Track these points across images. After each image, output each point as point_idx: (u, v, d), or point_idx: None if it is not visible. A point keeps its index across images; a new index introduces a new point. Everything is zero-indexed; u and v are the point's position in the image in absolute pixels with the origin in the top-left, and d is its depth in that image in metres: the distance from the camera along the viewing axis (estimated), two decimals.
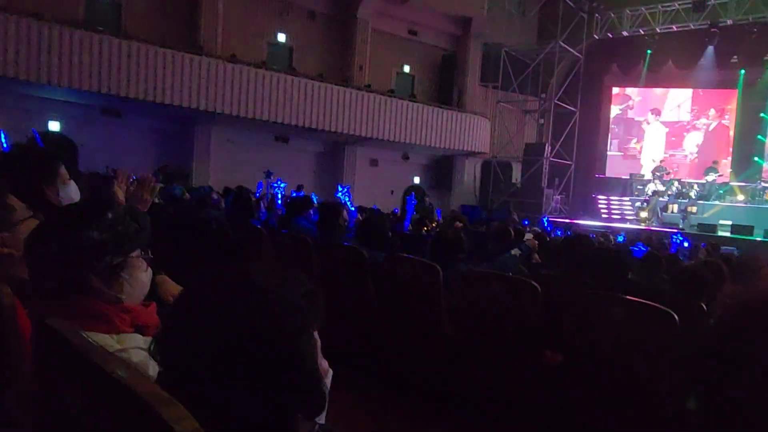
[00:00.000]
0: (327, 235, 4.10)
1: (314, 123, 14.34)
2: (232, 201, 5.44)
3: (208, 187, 6.35)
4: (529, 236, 4.20)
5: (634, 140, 20.48)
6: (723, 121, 19.31)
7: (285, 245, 4.04)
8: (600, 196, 19.56)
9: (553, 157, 19.01)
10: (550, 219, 15.53)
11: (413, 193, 6.69)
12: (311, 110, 14.22)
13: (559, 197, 19.74)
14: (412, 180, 19.57)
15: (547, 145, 19.10)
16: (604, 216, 18.38)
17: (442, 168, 19.62)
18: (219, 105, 12.80)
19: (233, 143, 15.12)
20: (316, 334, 0.89)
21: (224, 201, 6.95)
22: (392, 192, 19.05)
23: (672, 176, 18.30)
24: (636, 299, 2.36)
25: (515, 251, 3.43)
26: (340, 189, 8.67)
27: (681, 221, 15.64)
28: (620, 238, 10.36)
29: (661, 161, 19.09)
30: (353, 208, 8.37)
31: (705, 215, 16.07)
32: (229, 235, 4.47)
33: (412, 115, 16.36)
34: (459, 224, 5.43)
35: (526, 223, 13.86)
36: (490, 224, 6.50)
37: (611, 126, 20.83)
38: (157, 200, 5.44)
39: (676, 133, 20.01)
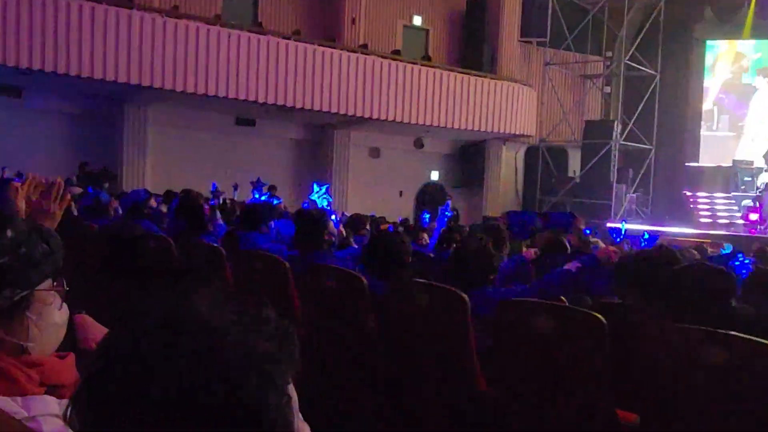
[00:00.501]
0: (307, 255, 4.12)
1: (290, 99, 14.45)
2: (177, 210, 5.48)
3: (144, 192, 6.40)
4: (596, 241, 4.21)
5: (745, 114, 20.46)
6: None
7: (251, 269, 4.06)
8: (692, 193, 19.60)
9: (625, 140, 19.08)
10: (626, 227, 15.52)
11: (449, 201, 6.70)
12: (285, 81, 14.33)
13: (634, 195, 19.80)
14: (429, 176, 19.66)
15: (616, 123, 19.19)
16: (702, 220, 18.38)
17: (469, 158, 19.72)
18: (156, 78, 12.92)
19: (177, 129, 15.25)
20: (291, 388, 0.91)
21: (166, 210, 7.00)
22: (401, 193, 19.13)
23: None
24: (743, 336, 2.35)
25: (572, 265, 3.46)
26: (315, 190, 8.72)
27: None
28: (726, 250, 10.32)
29: None
30: (334, 217, 8.44)
31: None
32: (172, 256, 4.51)
33: (427, 85, 16.47)
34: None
35: (588, 232, 13.85)
36: (536, 235, 6.55)
37: (718, 95, 20.83)
38: (73, 212, 5.49)
39: None
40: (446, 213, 6.30)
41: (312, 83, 14.68)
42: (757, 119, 20.33)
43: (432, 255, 5.35)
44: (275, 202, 8.05)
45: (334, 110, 15.20)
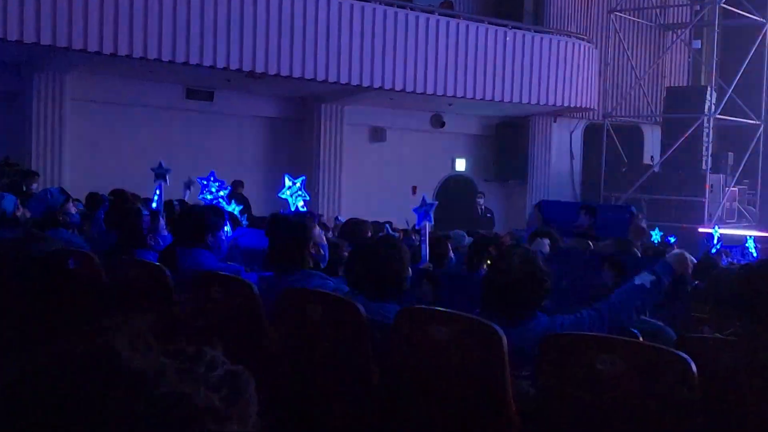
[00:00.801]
0: (284, 278, 4.13)
1: (259, 63, 14.49)
2: (106, 219, 5.49)
3: (59, 192, 6.38)
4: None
5: None
6: None
7: (205, 297, 4.09)
8: None
9: (721, 114, 19.04)
10: (721, 232, 15.46)
11: (428, 202, 6.70)
12: (253, 40, 14.38)
13: (736, 189, 19.75)
14: (452, 165, 19.68)
15: (709, 90, 19.17)
16: None
17: (507, 142, 19.75)
18: (77, 38, 12.97)
19: (105, 107, 15.31)
20: None
21: (91, 218, 7.01)
22: (414, 190, 19.14)
23: None
24: None
25: (644, 278, 3.49)
26: (286, 185, 8.74)
27: None
28: None
29: None
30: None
31: None
32: (99, 279, 4.51)
33: (449, 42, 16.50)
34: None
35: (672, 240, 13.79)
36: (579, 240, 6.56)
37: None
38: None
39: None
40: (428, 211, 6.32)
41: (290, 41, 14.70)
42: None
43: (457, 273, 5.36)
44: (231, 206, 8.05)
45: (320, 77, 15.21)
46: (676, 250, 3.95)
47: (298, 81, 15.19)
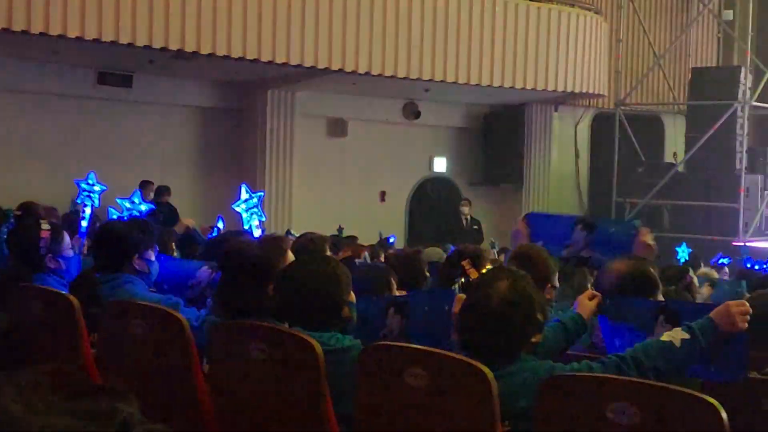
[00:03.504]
0: (233, 310, 4.18)
1: (190, 41, 14.44)
2: (9, 240, 5.45)
3: None
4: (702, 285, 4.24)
5: None
6: None
7: (122, 333, 4.06)
8: None
9: (759, 100, 19.22)
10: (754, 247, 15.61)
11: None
12: (182, 14, 14.30)
13: None
14: (430, 166, 19.72)
15: (744, 71, 19.35)
16: None
17: (498, 137, 19.83)
18: None
19: None
20: None
21: None
22: (383, 195, 19.17)
23: None
24: None
25: (675, 334, 3.50)
26: (243, 197, 8.74)
27: None
28: None
29: None
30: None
31: None
32: None
33: (424, 14, 16.52)
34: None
35: (725, 262, 13.74)
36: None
37: None
38: None
39: None
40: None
41: (227, 13, 14.64)
42: None
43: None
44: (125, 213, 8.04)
45: (265, 58, 15.16)
46: (724, 303, 3.91)
47: (237, 62, 15.14)
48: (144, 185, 14.06)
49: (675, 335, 3.49)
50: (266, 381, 3.69)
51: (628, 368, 3.38)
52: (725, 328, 3.52)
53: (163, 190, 14.67)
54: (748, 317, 3.58)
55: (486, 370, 3.07)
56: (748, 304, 3.72)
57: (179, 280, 5.27)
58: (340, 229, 14.34)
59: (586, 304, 4.25)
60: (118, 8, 13.76)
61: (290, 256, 4.52)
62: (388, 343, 3.65)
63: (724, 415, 2.77)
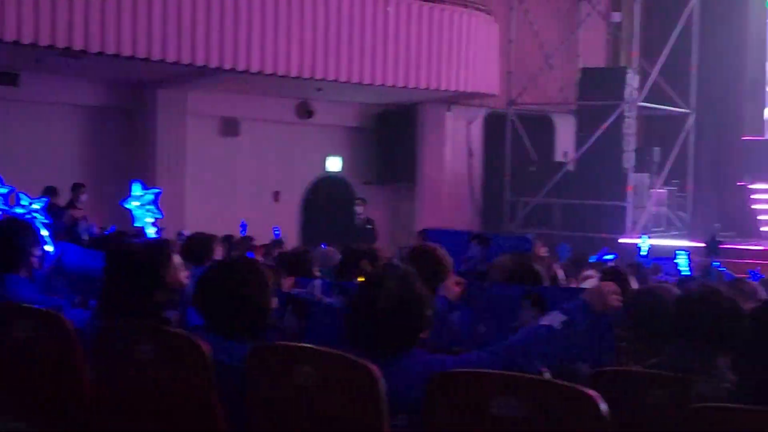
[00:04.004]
0: (119, 311, 4.11)
1: (77, 39, 14.20)
2: None
3: None
4: (589, 276, 4.36)
5: None
6: None
7: (14, 336, 4.00)
8: (757, 185, 20.31)
9: (646, 100, 19.62)
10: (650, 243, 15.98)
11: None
12: (69, 11, 14.07)
13: (664, 191, 20.35)
14: (324, 165, 19.69)
15: (630, 72, 19.70)
16: None
17: (392, 136, 19.89)
18: None
19: None
20: None
21: None
22: (277, 195, 19.10)
23: None
24: None
25: (554, 318, 3.55)
26: (135, 193, 8.63)
27: None
28: None
29: None
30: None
31: None
32: None
33: (316, 13, 16.49)
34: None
35: (608, 258, 14.02)
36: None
37: None
38: None
39: None
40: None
41: (116, 11, 14.44)
42: None
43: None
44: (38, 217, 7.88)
45: (156, 56, 15.00)
46: (592, 282, 4.04)
47: (127, 61, 14.96)
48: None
49: (553, 319, 3.57)
50: (154, 382, 3.63)
51: (516, 355, 3.45)
52: (598, 308, 3.64)
53: (50, 191, 14.40)
54: (620, 297, 3.72)
55: (373, 367, 3.08)
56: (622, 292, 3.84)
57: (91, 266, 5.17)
58: (244, 224, 14.31)
59: (451, 288, 4.34)
60: (3, 5, 13.48)
61: (176, 258, 4.47)
62: (277, 342, 3.66)
63: (604, 407, 2.80)
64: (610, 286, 3.77)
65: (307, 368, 3.19)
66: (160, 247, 4.69)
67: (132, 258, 4.33)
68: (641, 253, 13.58)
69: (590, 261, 12.47)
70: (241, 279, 3.79)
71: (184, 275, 4.53)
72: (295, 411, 3.30)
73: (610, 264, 11.26)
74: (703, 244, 16.74)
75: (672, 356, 3.79)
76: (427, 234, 7.61)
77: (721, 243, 14.87)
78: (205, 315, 3.81)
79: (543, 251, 6.87)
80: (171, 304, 4.29)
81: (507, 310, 4.27)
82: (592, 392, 2.84)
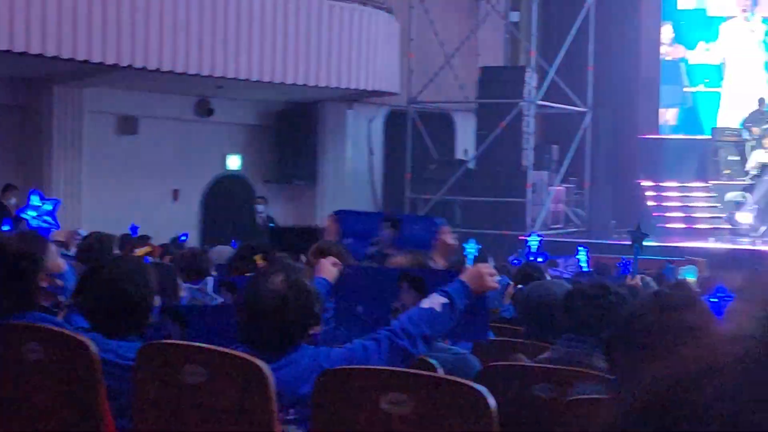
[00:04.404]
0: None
1: None
2: None
3: None
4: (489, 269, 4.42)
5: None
6: None
7: None
8: (652, 183, 20.74)
9: (545, 99, 19.90)
10: (545, 239, 16.18)
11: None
12: None
13: (562, 189, 20.65)
14: (224, 163, 19.59)
15: (529, 71, 19.94)
16: (669, 226, 19.52)
17: (292, 134, 19.87)
18: None
19: None
20: None
21: None
22: (176, 194, 18.95)
23: None
24: None
25: (434, 300, 3.62)
26: (35, 203, 8.50)
27: None
28: (687, 275, 11.17)
29: (765, 102, 20.36)
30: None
31: None
32: None
33: (215, 10, 16.39)
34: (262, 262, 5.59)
35: (517, 262, 14.14)
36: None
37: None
38: None
39: None
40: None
41: (9, 7, 14.13)
42: (740, 65, 22.04)
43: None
44: None
45: (50, 53, 14.74)
46: (476, 264, 4.13)
47: (20, 58, 14.68)
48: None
49: (434, 301, 3.63)
50: (40, 381, 3.61)
51: (399, 339, 3.49)
52: (477, 289, 3.72)
53: None
54: (497, 278, 3.82)
55: (262, 364, 3.09)
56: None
57: None
58: (134, 228, 14.08)
59: (328, 268, 4.38)
60: None
61: (54, 251, 4.39)
62: (166, 341, 3.65)
63: (492, 402, 2.87)
64: (487, 267, 3.88)
65: (195, 367, 3.19)
66: (36, 235, 4.64)
67: (8, 251, 4.25)
68: (531, 251, 13.73)
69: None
70: (122, 277, 3.78)
71: (62, 262, 4.46)
72: (184, 409, 3.31)
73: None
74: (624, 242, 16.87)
75: (560, 350, 3.88)
76: (339, 215, 7.60)
77: (645, 236, 15.02)
78: (87, 314, 3.81)
79: (450, 237, 6.88)
80: (53, 296, 4.22)
81: (386, 291, 4.31)
82: (480, 387, 2.90)
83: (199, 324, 4.18)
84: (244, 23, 16.58)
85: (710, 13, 22.07)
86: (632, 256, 10.38)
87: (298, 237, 11.64)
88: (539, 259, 12.65)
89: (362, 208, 19.30)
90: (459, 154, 21.43)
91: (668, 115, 22.78)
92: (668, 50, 22.49)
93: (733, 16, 21.82)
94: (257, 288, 3.49)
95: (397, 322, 3.62)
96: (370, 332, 3.72)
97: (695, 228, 19.48)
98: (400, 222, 7.14)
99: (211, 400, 3.23)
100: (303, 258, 5.80)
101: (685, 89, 22.43)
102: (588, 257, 14.03)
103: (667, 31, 22.38)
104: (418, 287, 4.22)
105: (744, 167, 19.53)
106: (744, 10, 21.74)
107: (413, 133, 20.43)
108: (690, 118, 22.32)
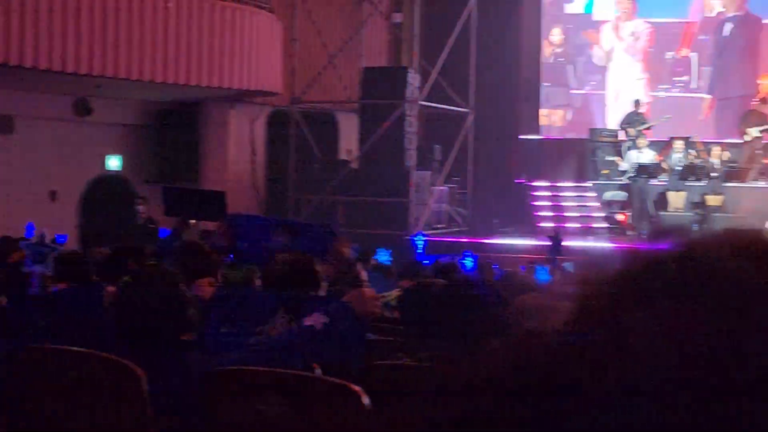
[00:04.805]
0: None
1: None
2: None
3: None
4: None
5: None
6: None
7: None
8: (533, 183, 21.12)
9: (427, 99, 20.08)
10: (429, 240, 16.37)
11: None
12: None
13: (445, 189, 20.85)
14: (103, 164, 19.32)
15: (411, 72, 20.09)
16: (548, 225, 19.85)
17: (173, 133, 19.69)
18: None
19: None
20: None
21: None
22: (53, 195, 18.64)
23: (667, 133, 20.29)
24: None
25: (316, 319, 3.62)
26: None
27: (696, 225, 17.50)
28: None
29: (640, 103, 21.04)
30: None
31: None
32: None
33: (94, 6, 16.15)
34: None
35: (386, 259, 14.26)
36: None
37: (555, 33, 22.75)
38: None
39: (669, 41, 22.38)
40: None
41: None
42: (618, 68, 22.65)
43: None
44: None
45: None
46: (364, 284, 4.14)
47: None
48: None
49: (316, 320, 3.62)
50: (87, 405, 3.51)
51: (278, 353, 3.47)
52: (359, 312, 3.76)
53: None
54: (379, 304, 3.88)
55: (138, 370, 3.07)
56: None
57: None
58: (30, 226, 13.78)
59: (205, 288, 4.37)
60: None
61: None
62: (39, 346, 3.59)
63: (366, 400, 2.91)
64: (371, 292, 3.90)
65: (67, 370, 3.16)
66: None
67: None
68: (417, 251, 13.88)
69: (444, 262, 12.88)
70: None
71: None
72: (57, 414, 3.26)
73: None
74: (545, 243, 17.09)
75: (436, 348, 3.93)
76: (230, 219, 7.55)
77: (561, 241, 15.24)
78: None
79: (344, 247, 6.90)
80: None
81: (257, 314, 4.31)
82: (355, 387, 2.93)
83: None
84: (123, 21, 16.37)
85: (595, 17, 22.63)
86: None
87: (194, 201, 11.51)
88: (425, 262, 12.79)
89: (245, 209, 19.22)
90: (343, 155, 21.48)
91: (555, 117, 23.25)
92: (558, 52, 22.95)
93: (611, 20, 22.38)
94: (135, 291, 3.46)
95: (278, 336, 3.66)
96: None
97: (575, 227, 19.81)
98: (295, 229, 7.15)
99: (83, 404, 3.20)
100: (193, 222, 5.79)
101: (572, 91, 22.92)
102: (474, 257, 14.23)
103: (557, 34, 22.85)
104: (292, 311, 4.23)
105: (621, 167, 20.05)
106: (621, 14, 22.28)
107: (296, 133, 20.44)
108: (579, 120, 22.79)
